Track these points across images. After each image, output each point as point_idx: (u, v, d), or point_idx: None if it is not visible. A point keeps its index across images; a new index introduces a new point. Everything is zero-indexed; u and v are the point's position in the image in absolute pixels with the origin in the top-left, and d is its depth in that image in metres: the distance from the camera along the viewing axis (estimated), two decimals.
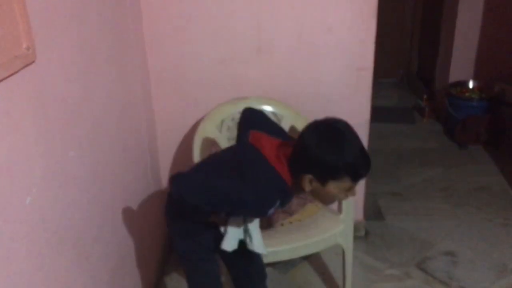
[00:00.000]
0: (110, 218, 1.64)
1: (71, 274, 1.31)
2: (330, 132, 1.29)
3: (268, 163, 1.33)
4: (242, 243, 1.50)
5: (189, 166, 1.59)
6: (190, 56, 2.20)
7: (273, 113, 2.14)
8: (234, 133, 2.14)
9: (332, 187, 1.30)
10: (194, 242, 1.53)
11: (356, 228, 2.20)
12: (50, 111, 1.20)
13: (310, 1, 2.11)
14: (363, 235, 2.54)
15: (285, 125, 2.12)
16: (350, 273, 2.04)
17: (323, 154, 1.26)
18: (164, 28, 2.15)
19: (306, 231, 1.88)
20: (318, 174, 1.29)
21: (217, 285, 1.62)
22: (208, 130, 2.09)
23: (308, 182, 1.30)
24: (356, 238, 2.11)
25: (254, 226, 1.48)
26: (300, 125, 2.13)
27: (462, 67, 3.86)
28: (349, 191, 1.33)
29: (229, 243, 1.46)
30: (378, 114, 2.73)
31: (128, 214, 1.82)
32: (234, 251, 1.49)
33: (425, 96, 4.20)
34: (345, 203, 1.92)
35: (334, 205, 1.95)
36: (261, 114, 1.68)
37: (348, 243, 1.96)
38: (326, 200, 1.39)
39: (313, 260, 2.37)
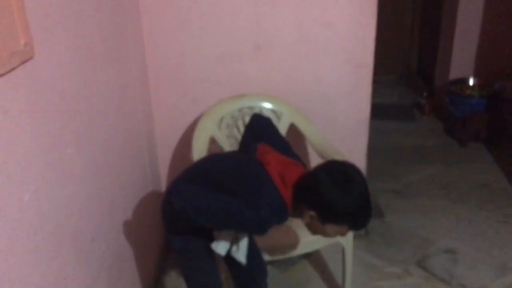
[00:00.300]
0: (108, 216, 1.63)
1: (69, 271, 1.30)
2: (345, 181, 1.32)
3: (271, 183, 1.36)
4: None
5: (188, 164, 1.58)
6: (189, 53, 2.19)
7: (272, 110, 2.14)
8: (233, 130, 2.14)
9: (330, 228, 1.36)
10: (192, 240, 1.52)
11: None
12: (48, 108, 1.19)
13: None
14: (363, 233, 2.53)
15: (285, 123, 2.12)
16: (350, 271, 2.03)
17: (335, 201, 1.31)
18: (162, 25, 2.14)
19: (306, 229, 1.87)
20: (322, 215, 1.33)
21: (216, 283, 1.61)
22: (207, 127, 2.09)
23: (308, 217, 1.35)
24: (356, 236, 2.10)
25: (244, 235, 1.49)
26: (300, 123, 2.12)
27: (462, 64, 3.85)
28: (343, 234, 1.40)
29: (222, 247, 1.47)
30: (378, 111, 2.73)
31: (126, 212, 1.82)
32: None
33: (425, 94, 4.19)
34: None
35: None
36: (268, 121, 1.74)
37: (348, 241, 1.96)
38: (317, 233, 1.42)
39: (313, 258, 2.37)
